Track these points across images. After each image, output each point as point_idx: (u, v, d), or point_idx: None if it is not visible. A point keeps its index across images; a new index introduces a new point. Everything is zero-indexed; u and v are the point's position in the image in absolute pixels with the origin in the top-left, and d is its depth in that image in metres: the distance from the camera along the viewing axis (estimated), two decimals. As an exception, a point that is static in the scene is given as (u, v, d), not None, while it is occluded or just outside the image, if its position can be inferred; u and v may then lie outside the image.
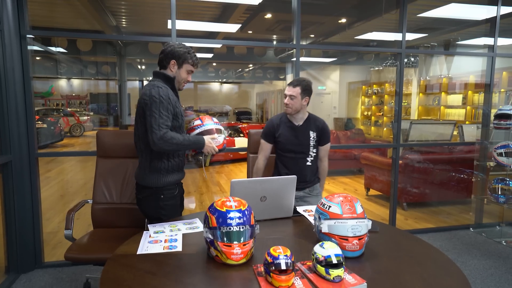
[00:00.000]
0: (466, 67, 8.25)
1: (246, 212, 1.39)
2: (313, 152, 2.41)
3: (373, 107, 11.50)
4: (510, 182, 3.48)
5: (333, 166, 6.73)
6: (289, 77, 14.25)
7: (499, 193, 3.47)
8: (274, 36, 7.56)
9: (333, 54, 10.18)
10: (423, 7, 4.69)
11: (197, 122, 2.02)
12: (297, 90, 2.28)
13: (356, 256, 1.44)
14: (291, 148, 2.37)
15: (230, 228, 1.34)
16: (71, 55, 10.07)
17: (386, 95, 10.78)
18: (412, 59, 9.13)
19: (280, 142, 2.38)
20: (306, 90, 2.31)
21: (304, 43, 7.18)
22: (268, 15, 5.82)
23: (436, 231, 3.78)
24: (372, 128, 11.40)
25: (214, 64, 13.41)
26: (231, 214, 1.36)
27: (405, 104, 10.12)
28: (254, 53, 10.13)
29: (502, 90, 7.11)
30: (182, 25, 5.70)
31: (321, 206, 1.56)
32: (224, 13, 5.79)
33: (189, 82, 2.01)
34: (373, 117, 11.51)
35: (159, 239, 1.53)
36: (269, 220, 1.89)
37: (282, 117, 2.41)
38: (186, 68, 1.93)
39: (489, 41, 3.88)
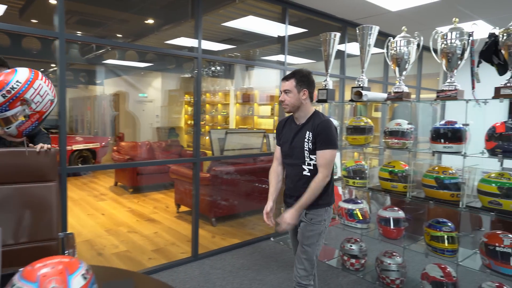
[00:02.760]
0: (273, 81, 9.12)
1: None
2: (310, 159, 1.99)
3: (196, 116, 11.51)
4: (301, 190, 3.69)
5: (146, 181, 6.08)
6: (107, 82, 12.76)
7: (293, 201, 3.62)
8: (78, 32, 6.32)
9: (151, 59, 9.54)
10: (223, 18, 4.66)
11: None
12: (292, 82, 1.98)
13: None
14: (287, 152, 2.07)
15: None
16: None
17: (207, 104, 10.93)
18: (218, 67, 9.28)
19: (281, 145, 2.12)
20: (303, 80, 1.98)
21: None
22: (53, 1, 4.68)
23: (241, 246, 3.66)
24: (196, 137, 11.38)
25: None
26: None
27: (225, 113, 10.49)
28: (51, 50, 8.36)
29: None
30: None
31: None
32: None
33: None
34: (196, 126, 11.52)
35: None
36: None
37: (291, 116, 2.11)
38: None
39: (283, 57, 4.09)
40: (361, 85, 3.02)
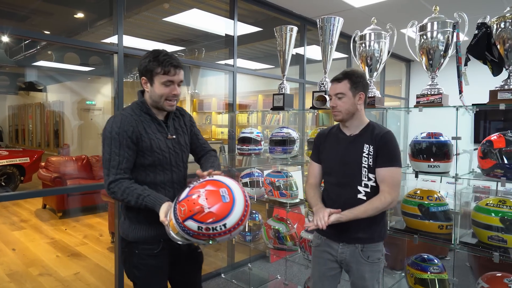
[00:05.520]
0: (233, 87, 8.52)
1: None
2: (369, 178, 1.61)
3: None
4: (257, 216, 3.08)
5: (79, 203, 5.19)
6: (51, 88, 11.57)
7: (247, 230, 3.00)
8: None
9: (96, 62, 8.58)
10: (164, 14, 4.00)
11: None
12: (345, 84, 1.64)
13: None
14: (334, 168, 1.69)
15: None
16: None
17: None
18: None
19: (323, 160, 1.76)
20: (359, 82, 1.64)
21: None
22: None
23: None
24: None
25: None
26: None
27: (181, 122, 9.76)
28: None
29: (259, 111, 7.55)
30: None
31: None
32: None
33: (176, 95, 1.45)
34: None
35: None
36: None
37: (335, 126, 1.79)
38: (159, 80, 1.43)
39: (237, 61, 3.52)
40: (325, 89, 2.49)
